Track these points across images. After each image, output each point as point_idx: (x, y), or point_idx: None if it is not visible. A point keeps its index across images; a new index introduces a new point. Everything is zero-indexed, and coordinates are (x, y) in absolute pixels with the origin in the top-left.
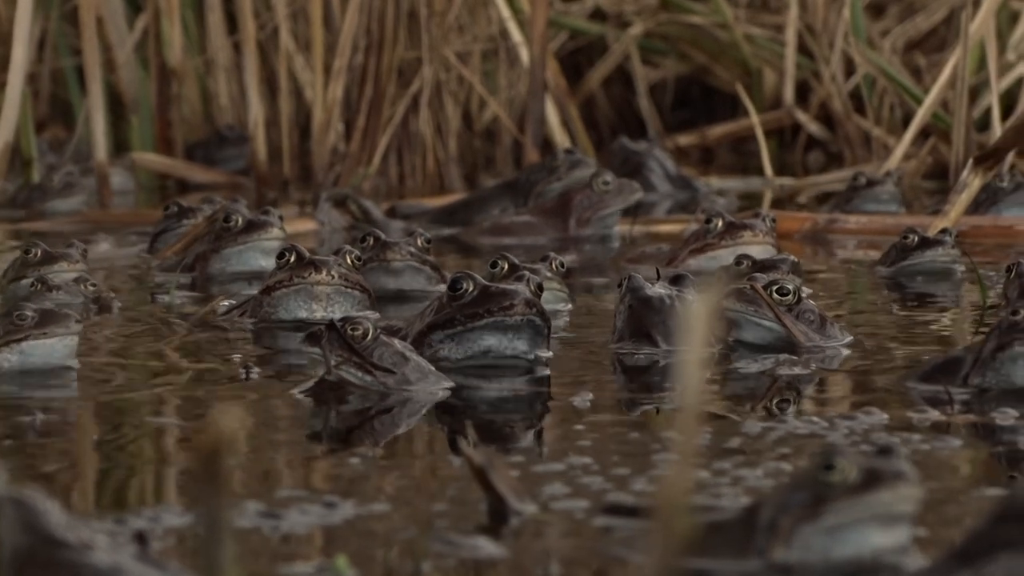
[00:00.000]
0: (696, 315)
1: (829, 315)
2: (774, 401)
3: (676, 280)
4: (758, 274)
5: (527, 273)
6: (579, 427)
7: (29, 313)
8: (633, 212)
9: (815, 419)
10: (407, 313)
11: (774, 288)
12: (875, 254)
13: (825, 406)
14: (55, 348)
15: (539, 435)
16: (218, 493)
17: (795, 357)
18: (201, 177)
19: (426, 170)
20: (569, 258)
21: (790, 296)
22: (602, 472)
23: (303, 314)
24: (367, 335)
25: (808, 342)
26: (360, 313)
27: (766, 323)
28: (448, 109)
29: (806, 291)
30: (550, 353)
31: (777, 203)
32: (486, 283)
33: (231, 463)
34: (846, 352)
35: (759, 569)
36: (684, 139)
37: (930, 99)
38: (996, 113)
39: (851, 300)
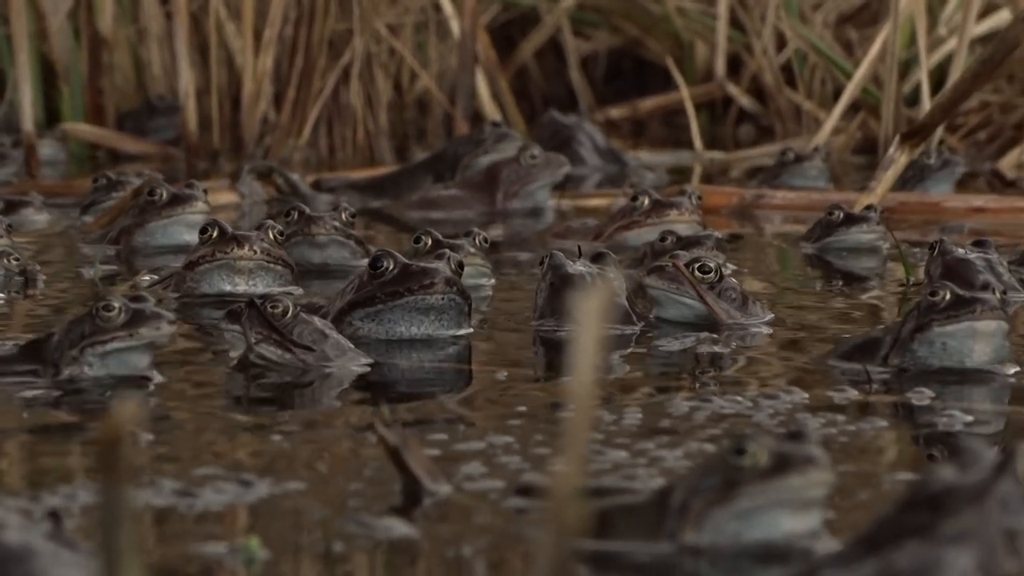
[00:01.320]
0: (593, 296)
1: (751, 293)
2: (696, 380)
3: (597, 258)
4: (680, 252)
5: (447, 251)
6: (499, 405)
7: None
8: (562, 185)
9: (738, 399)
10: (332, 287)
11: (696, 266)
12: (802, 230)
13: (747, 386)
14: None
15: (458, 413)
16: (118, 482)
17: (716, 335)
18: (132, 148)
19: (356, 142)
20: (496, 232)
21: (712, 274)
22: (521, 452)
23: (226, 288)
24: (287, 313)
25: (729, 320)
26: (282, 289)
27: (687, 301)
28: (379, 81)
29: (729, 268)
30: (471, 330)
31: (707, 177)
32: (407, 261)
33: (148, 441)
34: (768, 330)
35: (670, 552)
36: (615, 112)
37: (859, 74)
38: (926, 89)
39: (775, 277)
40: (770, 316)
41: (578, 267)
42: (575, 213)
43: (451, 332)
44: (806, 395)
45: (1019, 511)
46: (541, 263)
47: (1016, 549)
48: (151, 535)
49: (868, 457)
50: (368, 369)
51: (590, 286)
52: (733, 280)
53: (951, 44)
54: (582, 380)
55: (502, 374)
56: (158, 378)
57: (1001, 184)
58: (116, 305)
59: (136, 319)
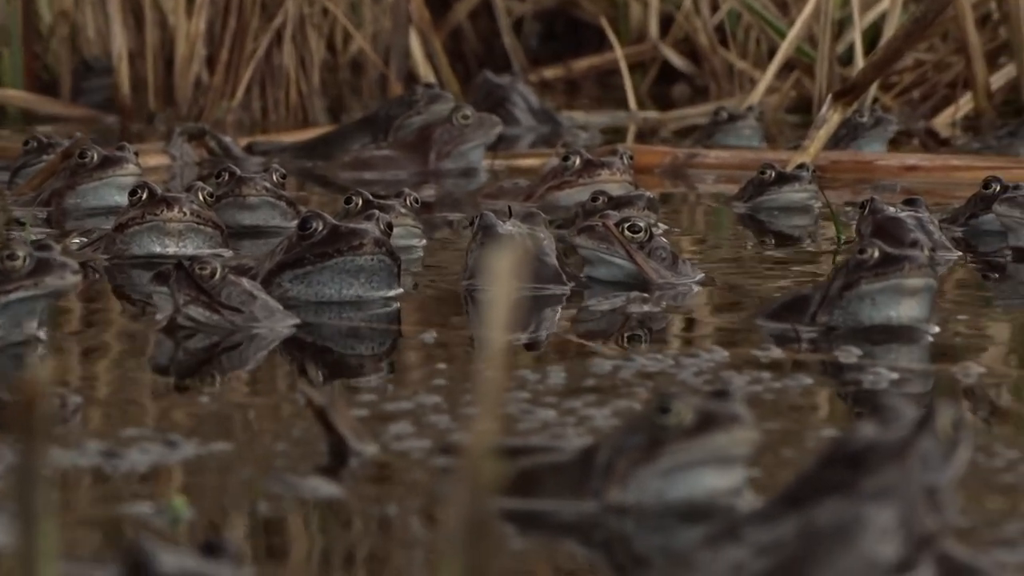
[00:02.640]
0: (507, 254)
1: (682, 252)
2: (623, 339)
3: (527, 218)
4: (611, 211)
5: (376, 212)
6: (428, 365)
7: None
8: (495, 146)
9: (662, 357)
10: (262, 249)
11: (626, 225)
12: (735, 189)
13: (673, 344)
14: None
15: (388, 373)
16: (34, 443)
17: (646, 295)
18: (65, 111)
19: (289, 103)
20: (428, 192)
21: (642, 233)
22: (449, 411)
23: (156, 250)
24: (215, 275)
25: (660, 279)
26: (212, 251)
27: (618, 260)
28: (312, 42)
29: (660, 228)
30: (401, 291)
31: (641, 137)
32: (336, 223)
33: (74, 402)
34: (697, 289)
35: (595, 510)
36: (549, 72)
37: (793, 33)
38: (859, 48)
39: (707, 236)
40: (700, 275)
41: (508, 227)
42: (508, 173)
43: (381, 293)
44: (733, 353)
45: (939, 468)
46: (471, 223)
47: (937, 505)
48: (76, 496)
49: (794, 415)
50: (296, 330)
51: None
52: (663, 239)
53: (885, 3)
54: (496, 338)
55: (431, 335)
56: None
57: (935, 142)
58: (20, 254)
59: (41, 268)
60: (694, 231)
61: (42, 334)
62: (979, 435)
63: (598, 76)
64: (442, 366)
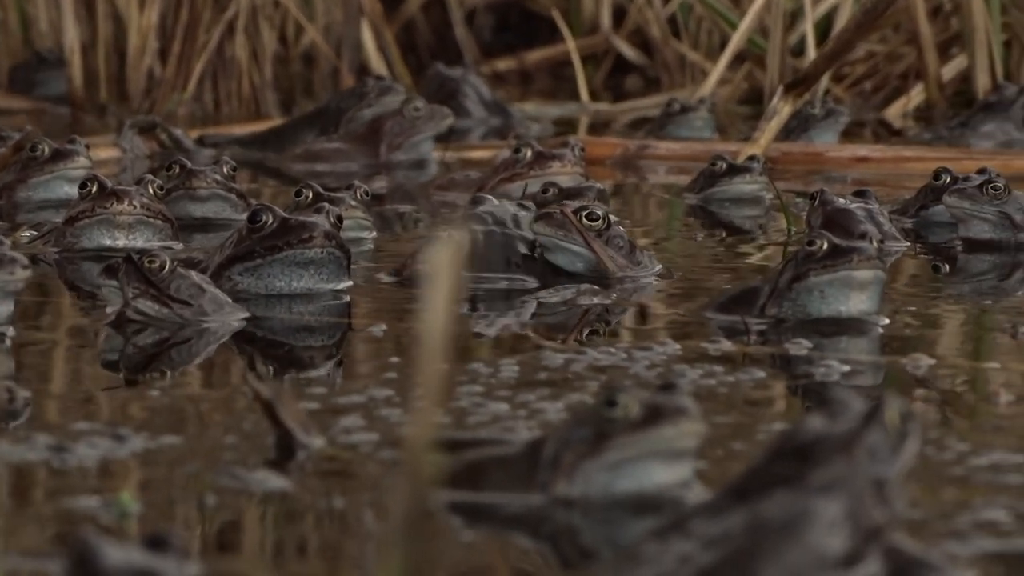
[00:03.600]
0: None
1: (637, 243)
2: (576, 332)
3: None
4: (567, 200)
5: (326, 205)
6: (378, 358)
7: None
8: (446, 138)
9: (615, 351)
10: (213, 241)
11: (584, 213)
12: (686, 180)
13: (625, 337)
14: None
15: (337, 366)
16: None
17: (596, 286)
18: (17, 104)
19: (241, 96)
20: (379, 184)
21: (599, 222)
22: (399, 404)
23: (106, 243)
24: (164, 268)
25: (617, 268)
26: (162, 244)
27: (576, 248)
28: (264, 34)
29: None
30: (351, 283)
31: (593, 128)
32: (285, 215)
33: (23, 396)
34: (653, 280)
35: (542, 504)
36: (502, 64)
37: (744, 25)
38: (811, 39)
39: (659, 227)
40: (658, 266)
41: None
42: (459, 165)
43: (331, 286)
44: (684, 346)
45: (887, 460)
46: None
47: (884, 498)
48: (24, 490)
49: (744, 408)
50: (246, 323)
51: (477, 238)
52: (621, 228)
53: None
54: (434, 331)
55: (382, 327)
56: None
57: (887, 133)
58: None
59: None
60: (646, 222)
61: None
62: (929, 427)
63: (551, 68)
64: (392, 359)
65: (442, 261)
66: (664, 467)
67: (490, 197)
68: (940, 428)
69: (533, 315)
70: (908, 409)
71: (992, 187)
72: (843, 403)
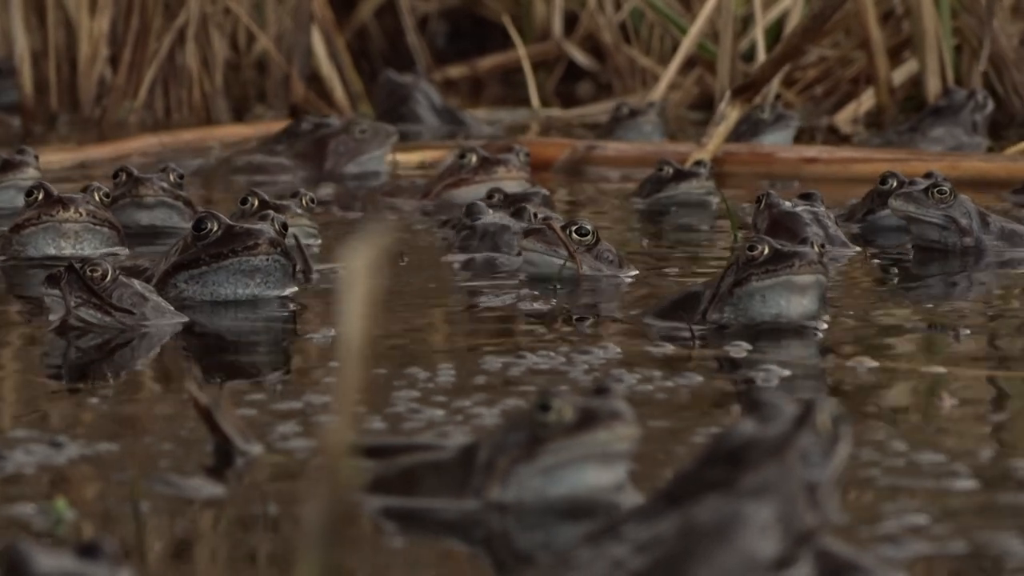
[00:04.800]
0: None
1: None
2: (516, 337)
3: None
4: (552, 214)
5: (271, 212)
6: (320, 365)
7: None
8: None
9: (554, 355)
10: (160, 249)
11: (573, 229)
12: (635, 186)
13: (566, 342)
14: None
15: (279, 373)
16: None
17: (536, 291)
18: None
19: (192, 103)
20: (326, 192)
21: (589, 237)
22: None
23: (52, 251)
24: (106, 276)
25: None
26: (108, 251)
27: (557, 262)
28: (215, 42)
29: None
30: (296, 290)
31: (545, 134)
32: (230, 223)
33: None
34: (591, 286)
35: (476, 509)
36: (454, 71)
37: (694, 30)
38: (761, 44)
39: (605, 233)
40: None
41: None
42: (409, 171)
43: (276, 293)
44: (625, 351)
45: (819, 464)
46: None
47: (816, 502)
48: None
49: (683, 412)
50: (190, 330)
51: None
52: (608, 243)
53: (787, 1)
54: (351, 334)
55: (326, 334)
56: None
57: (837, 138)
58: None
59: None
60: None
61: None
62: (868, 430)
63: (503, 74)
64: (335, 365)
65: (360, 265)
66: (598, 471)
67: (485, 206)
68: (879, 431)
69: (473, 320)
70: (840, 412)
71: (938, 191)
72: (774, 407)
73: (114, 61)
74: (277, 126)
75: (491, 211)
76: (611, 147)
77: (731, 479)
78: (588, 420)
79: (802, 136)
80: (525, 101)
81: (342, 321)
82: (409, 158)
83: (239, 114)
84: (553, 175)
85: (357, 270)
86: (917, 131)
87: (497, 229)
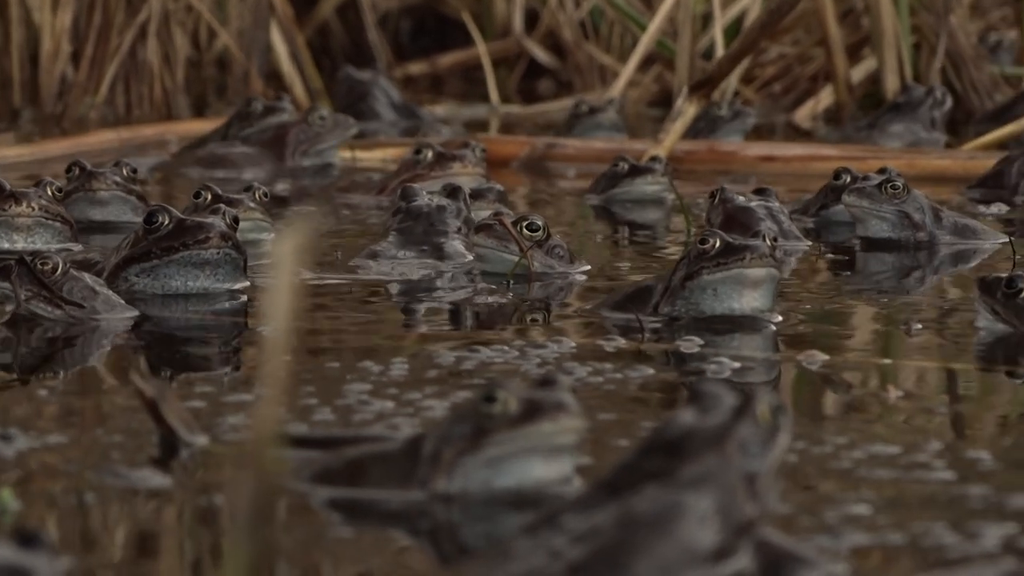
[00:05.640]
0: (282, 248)
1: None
2: (471, 330)
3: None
4: (503, 209)
5: (223, 206)
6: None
7: None
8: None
9: (508, 349)
10: (113, 243)
11: (524, 224)
12: (590, 182)
13: (517, 335)
14: None
15: (229, 366)
16: None
17: (493, 286)
18: None
19: (153, 99)
20: (282, 187)
21: (539, 232)
22: (287, 403)
23: (4, 245)
24: (57, 270)
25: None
26: (61, 245)
27: (511, 258)
28: (176, 39)
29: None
30: (248, 283)
31: (505, 131)
32: (181, 216)
33: None
34: (549, 280)
35: (421, 500)
36: (415, 68)
37: (653, 27)
38: (719, 41)
39: (560, 228)
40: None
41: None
42: (366, 167)
43: (227, 286)
44: (578, 344)
45: (759, 455)
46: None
47: (755, 493)
48: None
49: (630, 404)
50: (141, 323)
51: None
52: (559, 239)
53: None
54: (277, 325)
55: (275, 326)
56: None
57: (796, 135)
58: None
59: None
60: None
61: None
62: (811, 422)
63: (464, 71)
64: (285, 358)
65: (285, 254)
66: (543, 463)
67: (420, 189)
68: (823, 422)
69: (429, 312)
70: (779, 403)
71: (891, 186)
72: (714, 397)
73: (76, 57)
74: None
75: (426, 193)
76: (571, 144)
77: (670, 469)
78: (533, 412)
79: (761, 133)
80: (485, 98)
81: (269, 311)
82: (367, 154)
83: (199, 110)
84: (512, 172)
85: (283, 263)
86: (876, 127)
87: (432, 210)
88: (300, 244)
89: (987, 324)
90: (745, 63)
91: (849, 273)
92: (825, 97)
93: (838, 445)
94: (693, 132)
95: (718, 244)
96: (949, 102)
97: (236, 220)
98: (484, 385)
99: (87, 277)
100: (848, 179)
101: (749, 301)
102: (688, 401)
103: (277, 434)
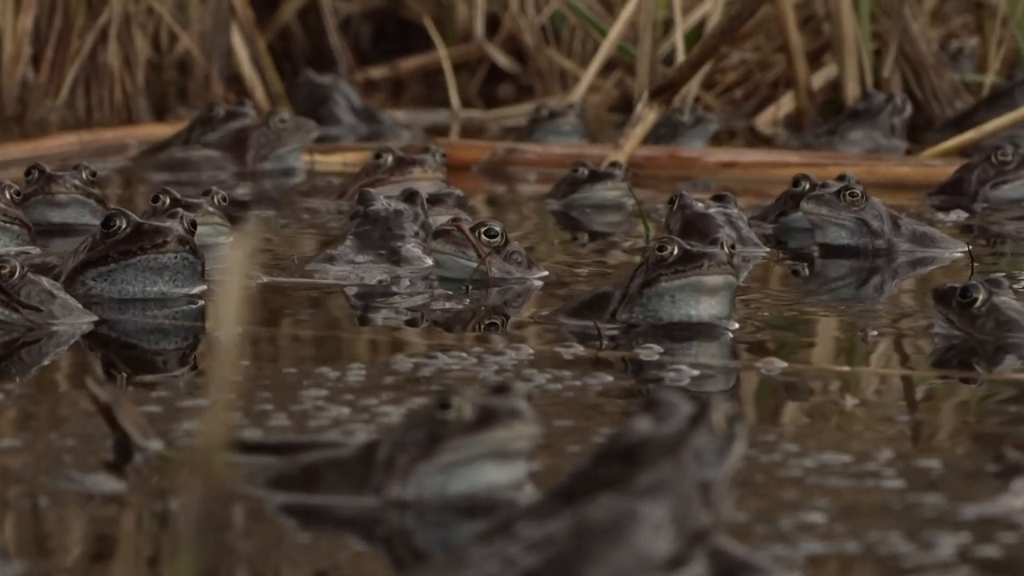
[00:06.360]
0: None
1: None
2: (424, 337)
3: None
4: (462, 215)
5: (180, 210)
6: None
7: None
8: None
9: (466, 355)
10: (72, 247)
11: (482, 230)
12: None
13: (475, 342)
14: None
15: (185, 371)
16: None
17: (451, 292)
18: None
19: (114, 102)
20: (243, 191)
21: (498, 238)
22: (242, 408)
23: None
24: (14, 273)
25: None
26: (19, 249)
27: (469, 264)
28: (137, 41)
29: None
30: (205, 288)
31: (467, 135)
32: (139, 220)
33: None
34: (509, 287)
35: (376, 506)
36: (376, 72)
37: (614, 32)
38: (680, 47)
39: (519, 233)
40: (545, 272)
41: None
42: (327, 172)
43: (185, 290)
44: (536, 351)
45: (714, 463)
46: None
47: (711, 501)
48: None
49: (589, 412)
50: (98, 328)
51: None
52: (517, 244)
53: (707, 5)
54: (225, 329)
55: (233, 332)
56: None
57: (757, 141)
58: None
59: None
60: (509, 229)
61: None
62: (768, 430)
63: (425, 76)
64: (243, 363)
65: (235, 260)
66: (497, 469)
67: (377, 193)
68: (780, 431)
69: (387, 319)
70: (736, 411)
71: (849, 193)
72: (670, 405)
73: (36, 60)
74: None
75: (383, 198)
76: (531, 149)
77: (625, 477)
78: (487, 418)
79: (722, 139)
80: (447, 102)
81: (218, 317)
82: (327, 159)
83: (160, 114)
84: (472, 176)
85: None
86: (836, 134)
87: (389, 215)
88: (251, 248)
89: (944, 331)
90: (706, 69)
91: (808, 280)
92: (786, 103)
93: (794, 453)
94: (655, 138)
95: (676, 251)
96: (909, 109)
97: (194, 224)
98: (439, 392)
99: (44, 281)
100: (807, 186)
101: (707, 308)
102: (643, 409)
103: (226, 439)
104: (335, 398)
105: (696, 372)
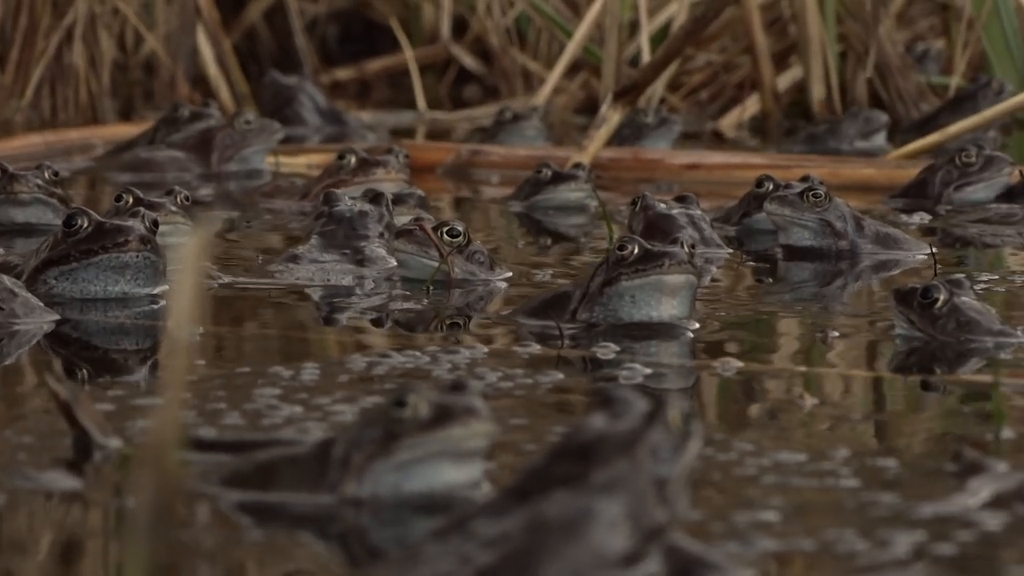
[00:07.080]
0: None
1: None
2: (379, 336)
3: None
4: (424, 214)
5: (142, 209)
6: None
7: None
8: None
9: (420, 354)
10: (33, 246)
11: (444, 230)
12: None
13: (430, 341)
14: None
15: (145, 369)
16: None
17: (408, 292)
18: None
19: (79, 103)
20: (206, 192)
21: (460, 238)
22: (198, 407)
23: None
24: None
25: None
26: None
27: (431, 264)
28: (103, 42)
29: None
30: (167, 287)
31: (433, 137)
32: (101, 219)
33: None
34: (470, 287)
35: (331, 504)
36: (342, 73)
37: (579, 34)
38: (646, 49)
39: (482, 234)
40: (509, 273)
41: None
42: (292, 173)
43: (146, 290)
44: (491, 350)
45: (670, 460)
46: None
47: (666, 498)
48: None
49: (544, 410)
50: (59, 327)
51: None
52: (480, 244)
53: (673, 7)
54: (179, 327)
55: (195, 331)
56: None
57: (721, 144)
58: None
59: None
60: (472, 230)
61: None
62: (724, 428)
63: (391, 77)
64: (199, 362)
65: (189, 255)
66: (453, 467)
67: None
68: (738, 429)
69: (343, 318)
70: (691, 409)
71: (813, 195)
72: (625, 403)
73: (1, 60)
74: None
75: (348, 198)
76: (495, 151)
77: (580, 474)
78: (443, 416)
79: (686, 141)
80: (412, 104)
81: (171, 313)
82: (292, 160)
83: (126, 114)
84: (437, 178)
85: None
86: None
87: (354, 215)
88: (206, 243)
89: (905, 332)
90: (671, 70)
91: (770, 281)
92: (751, 105)
93: (750, 451)
94: (620, 139)
95: (636, 250)
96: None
97: (156, 224)
98: (395, 389)
99: (6, 279)
100: (770, 187)
101: (667, 308)
102: (598, 406)
103: (179, 436)
104: (288, 396)
105: (650, 371)
